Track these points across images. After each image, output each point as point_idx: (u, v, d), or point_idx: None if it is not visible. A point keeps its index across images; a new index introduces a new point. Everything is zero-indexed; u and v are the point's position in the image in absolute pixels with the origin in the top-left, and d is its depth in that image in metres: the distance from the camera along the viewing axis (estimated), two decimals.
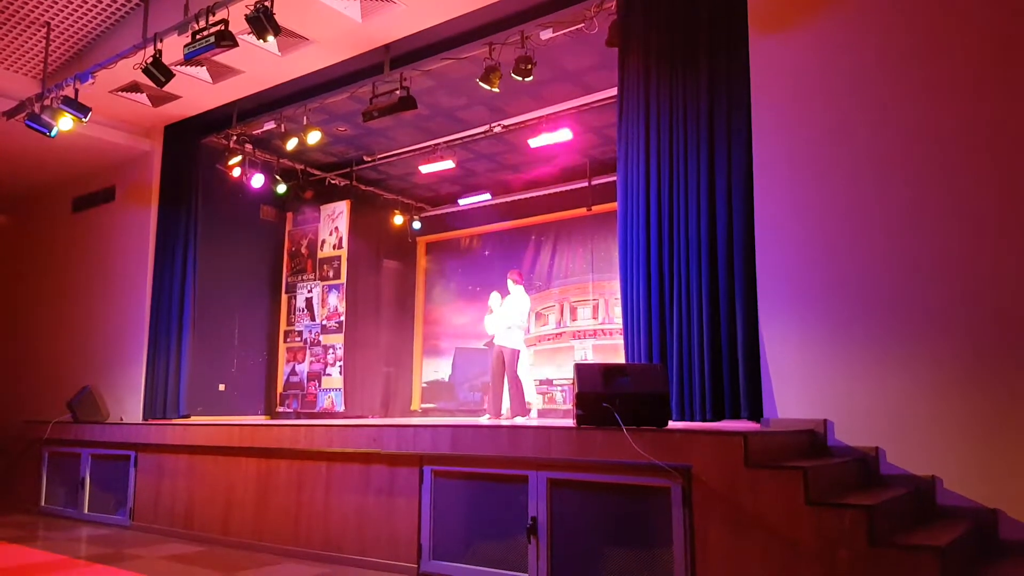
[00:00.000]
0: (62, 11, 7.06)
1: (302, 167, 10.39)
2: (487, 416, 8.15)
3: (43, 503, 7.79)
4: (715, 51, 5.39)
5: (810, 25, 5.00)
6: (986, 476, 4.12)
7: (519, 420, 7.71)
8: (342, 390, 10.17)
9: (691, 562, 3.83)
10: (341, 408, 10.10)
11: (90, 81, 7.19)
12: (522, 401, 8.20)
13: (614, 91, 6.40)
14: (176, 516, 6.43)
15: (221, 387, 9.72)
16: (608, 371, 4.45)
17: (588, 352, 9.95)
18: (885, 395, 4.45)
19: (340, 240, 10.65)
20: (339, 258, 10.61)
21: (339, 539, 5.26)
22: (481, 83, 6.68)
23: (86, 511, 7.27)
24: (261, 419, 9.86)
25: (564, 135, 8.33)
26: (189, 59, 6.15)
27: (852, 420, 4.54)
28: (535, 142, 8.59)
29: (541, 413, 9.92)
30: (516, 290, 8.34)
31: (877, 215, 4.61)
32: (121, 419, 8.21)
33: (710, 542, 3.80)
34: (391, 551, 4.98)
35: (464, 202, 11.16)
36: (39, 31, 7.26)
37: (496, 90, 6.77)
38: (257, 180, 9.51)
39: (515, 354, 8.14)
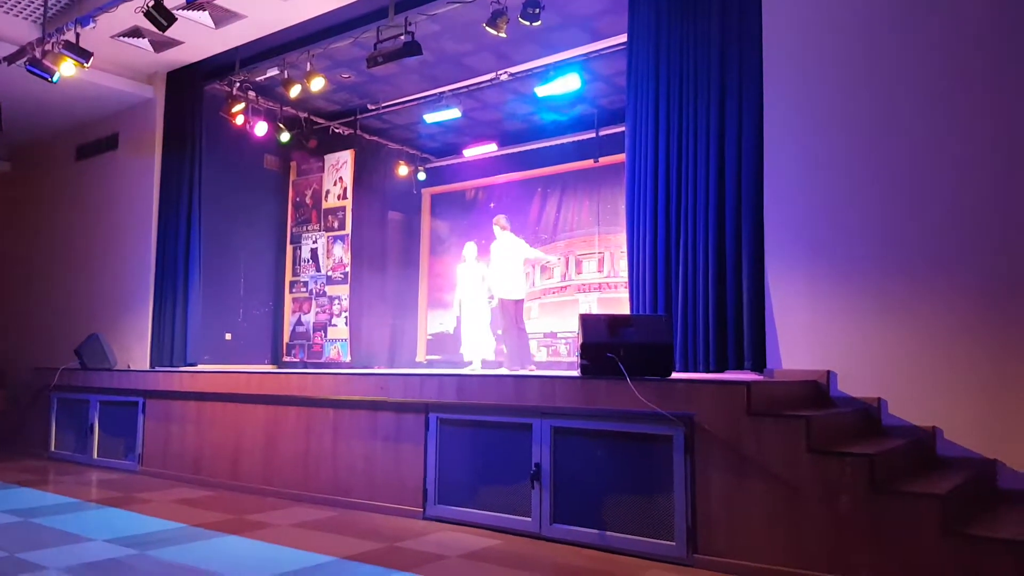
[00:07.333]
0: None
1: (305, 115, 10.26)
2: (503, 368, 8.18)
3: (53, 448, 7.92)
4: None
5: None
6: (986, 427, 4.15)
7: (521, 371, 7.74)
8: (348, 340, 10.24)
9: (692, 507, 3.89)
10: (347, 358, 10.17)
11: (91, 25, 7.07)
12: (528, 353, 8.22)
13: (624, 37, 6.28)
14: (185, 461, 6.53)
15: (227, 336, 9.79)
16: (613, 321, 4.45)
17: (593, 306, 9.94)
18: (888, 347, 4.46)
19: (344, 191, 10.59)
20: (343, 209, 10.56)
21: (347, 484, 5.35)
22: (488, 28, 6.54)
23: (95, 456, 7.39)
24: (268, 368, 9.94)
25: (572, 83, 8.19)
26: (191, 1, 6.03)
27: (855, 371, 4.57)
28: (542, 90, 8.45)
29: (545, 366, 9.96)
30: (505, 236, 8.28)
31: (886, 167, 4.56)
32: (128, 367, 8.28)
33: (712, 488, 3.85)
34: (398, 495, 5.07)
35: (469, 153, 11.04)
36: None
37: (503, 35, 6.63)
38: (260, 128, 9.40)
39: (519, 305, 8.14)
